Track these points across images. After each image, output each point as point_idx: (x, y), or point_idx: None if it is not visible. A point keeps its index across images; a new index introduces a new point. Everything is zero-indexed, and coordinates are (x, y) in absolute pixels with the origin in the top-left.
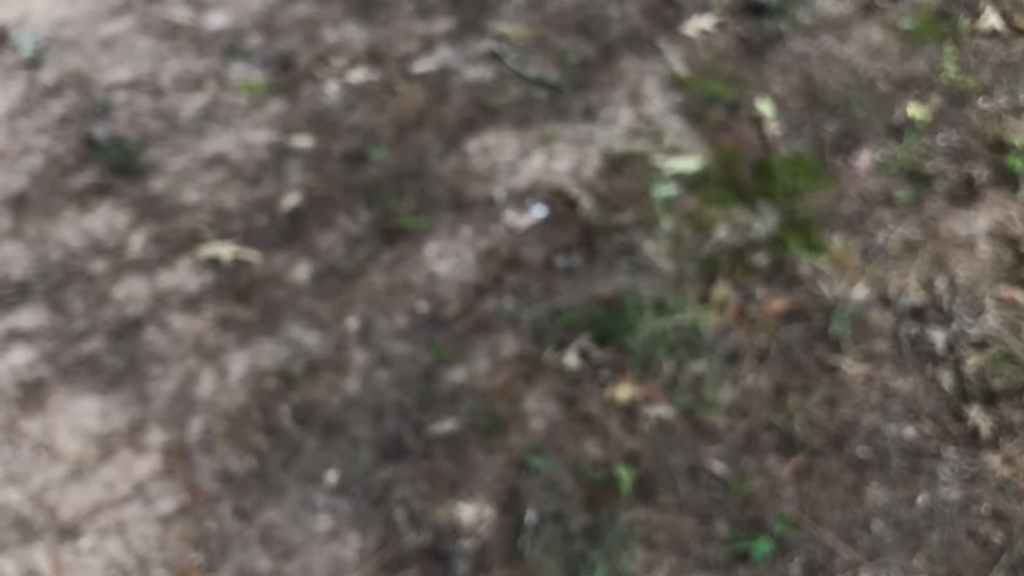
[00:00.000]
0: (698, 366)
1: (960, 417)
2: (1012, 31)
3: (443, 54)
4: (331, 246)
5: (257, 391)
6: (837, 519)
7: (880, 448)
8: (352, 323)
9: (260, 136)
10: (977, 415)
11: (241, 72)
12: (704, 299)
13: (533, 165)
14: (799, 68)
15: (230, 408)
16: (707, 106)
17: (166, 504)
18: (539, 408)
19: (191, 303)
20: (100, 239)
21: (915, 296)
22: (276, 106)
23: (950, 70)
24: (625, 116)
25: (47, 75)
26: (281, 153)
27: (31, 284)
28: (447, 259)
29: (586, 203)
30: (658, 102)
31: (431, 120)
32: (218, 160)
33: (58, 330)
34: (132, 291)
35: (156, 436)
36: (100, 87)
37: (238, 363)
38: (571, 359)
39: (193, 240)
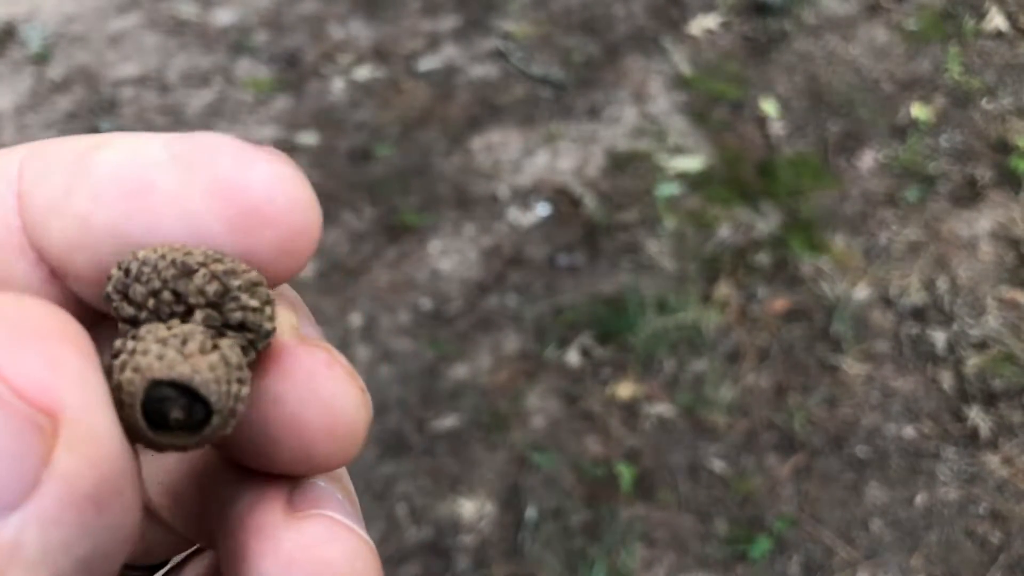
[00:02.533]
0: (699, 365)
1: (960, 417)
2: (1017, 32)
3: (449, 52)
4: (335, 242)
5: None
6: (836, 518)
7: (880, 448)
8: (356, 319)
9: (266, 132)
10: (977, 416)
11: (247, 68)
12: (706, 298)
13: (537, 163)
14: (803, 68)
15: None
16: (711, 105)
17: None
18: (540, 405)
19: None
20: None
21: (916, 296)
22: (282, 103)
23: (954, 71)
24: (629, 115)
25: (55, 70)
26: (286, 149)
27: None
28: (451, 256)
29: (589, 201)
30: (662, 101)
31: (436, 118)
32: None
33: None
34: None
35: None
36: (107, 83)
37: None
38: (573, 357)
39: None
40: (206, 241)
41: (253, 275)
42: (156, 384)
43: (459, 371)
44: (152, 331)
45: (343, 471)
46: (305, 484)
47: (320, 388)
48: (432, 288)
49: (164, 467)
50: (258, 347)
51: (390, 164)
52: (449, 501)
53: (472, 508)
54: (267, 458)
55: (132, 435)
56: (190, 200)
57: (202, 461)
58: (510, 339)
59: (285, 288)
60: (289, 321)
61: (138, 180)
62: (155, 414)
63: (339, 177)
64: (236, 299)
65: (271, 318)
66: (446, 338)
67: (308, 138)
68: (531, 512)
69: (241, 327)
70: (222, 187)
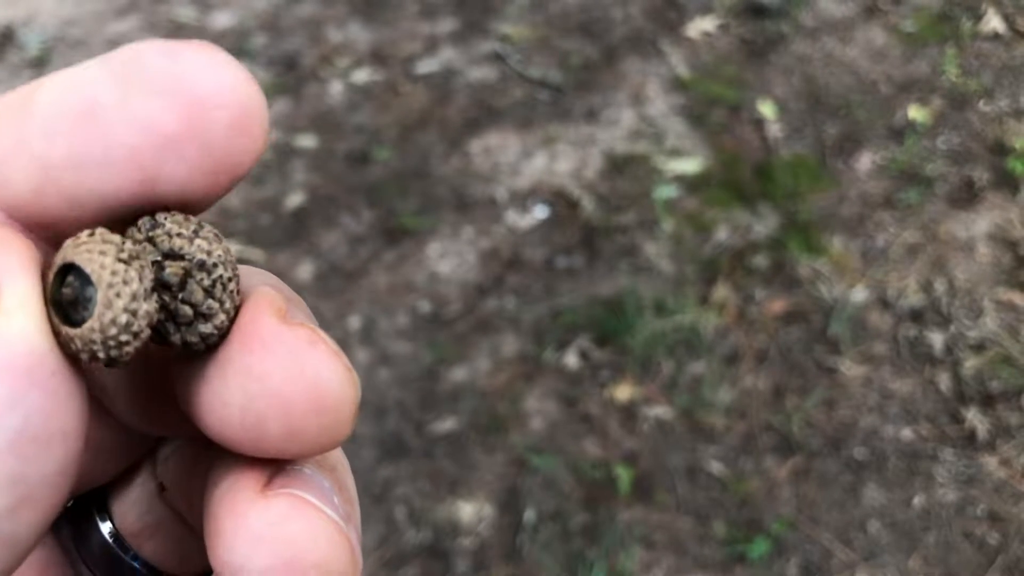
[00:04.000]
0: (697, 367)
1: (957, 419)
2: (1014, 34)
3: (447, 55)
4: (334, 245)
5: None
6: (834, 520)
7: (877, 449)
8: (354, 322)
9: None
10: (974, 417)
11: None
12: (704, 300)
13: (535, 166)
14: (801, 70)
15: None
16: (709, 108)
17: None
18: (539, 408)
19: None
20: None
21: (914, 298)
22: (280, 106)
23: (951, 72)
24: (627, 117)
25: None
26: (285, 153)
27: None
28: (449, 259)
29: (587, 204)
30: (660, 103)
31: (434, 120)
32: None
33: None
34: None
35: None
36: None
37: None
38: (571, 359)
39: None
40: (163, 140)
41: (191, 217)
42: (63, 271)
43: (458, 374)
44: (76, 237)
45: (340, 463)
46: (288, 468)
47: (304, 364)
48: (431, 291)
49: (182, 467)
50: (204, 283)
51: (388, 167)
52: (448, 504)
53: (471, 511)
54: (256, 439)
55: (57, 339)
56: (136, 105)
57: (208, 461)
58: (508, 341)
59: (281, 283)
60: (276, 304)
61: (83, 103)
62: (61, 301)
63: (337, 180)
64: (162, 226)
65: (206, 252)
66: (445, 341)
67: (306, 141)
68: (530, 514)
69: (172, 255)
70: (162, 83)
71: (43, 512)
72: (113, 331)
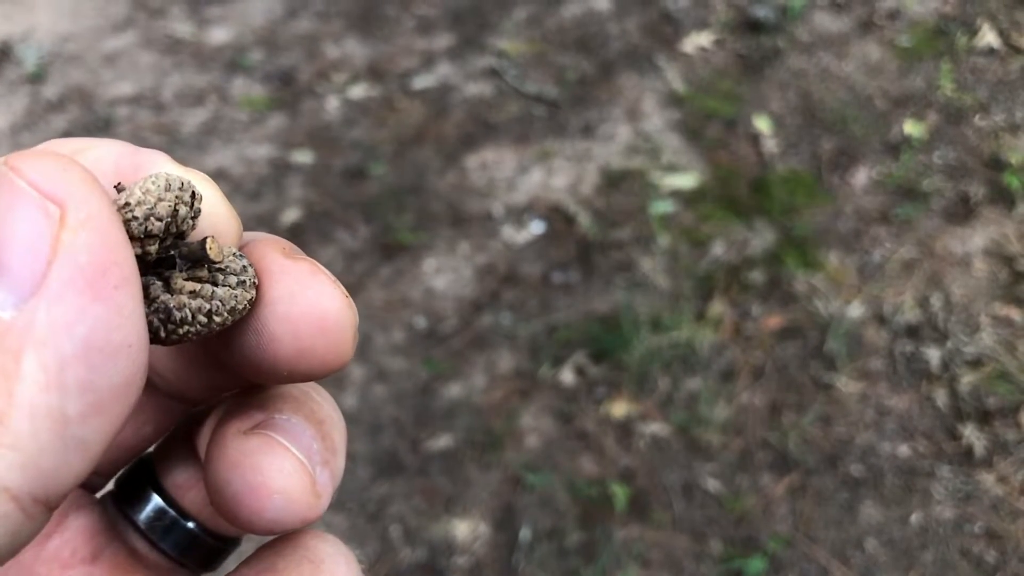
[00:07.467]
0: (693, 383)
1: (954, 435)
2: (1009, 49)
3: (443, 70)
4: (330, 261)
5: None
6: (831, 537)
7: (874, 466)
8: None
9: (261, 151)
10: (971, 433)
11: (242, 87)
12: (700, 316)
13: (531, 181)
14: (797, 85)
15: None
16: (705, 123)
17: None
18: (535, 424)
19: None
20: None
21: (910, 314)
22: (277, 121)
23: (947, 87)
24: (623, 132)
25: (50, 90)
26: (281, 168)
27: None
28: (445, 274)
29: (584, 219)
30: (656, 119)
31: (430, 136)
32: (219, 175)
33: None
34: None
35: None
36: (103, 101)
37: None
38: (567, 375)
39: None
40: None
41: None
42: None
43: (453, 390)
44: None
45: (330, 418)
46: (274, 418)
47: (307, 289)
48: (426, 306)
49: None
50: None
51: (384, 182)
52: (443, 522)
53: (466, 529)
54: (272, 359)
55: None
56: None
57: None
58: (504, 358)
59: (283, 240)
60: (281, 244)
61: (99, 167)
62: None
63: (333, 195)
64: (181, 234)
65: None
66: (440, 357)
67: (303, 156)
68: (525, 532)
69: (179, 238)
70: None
71: (111, 421)
72: (139, 196)
